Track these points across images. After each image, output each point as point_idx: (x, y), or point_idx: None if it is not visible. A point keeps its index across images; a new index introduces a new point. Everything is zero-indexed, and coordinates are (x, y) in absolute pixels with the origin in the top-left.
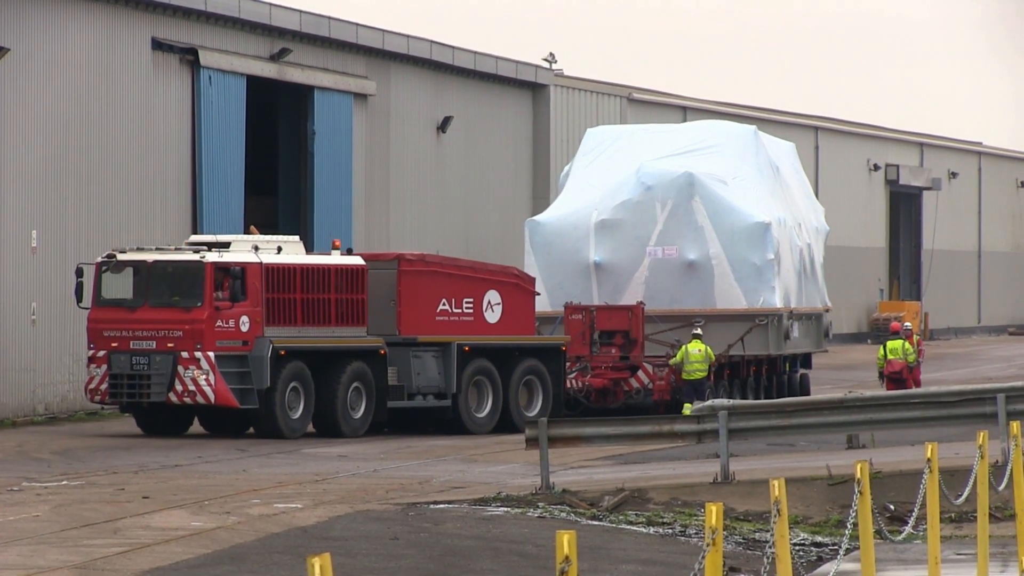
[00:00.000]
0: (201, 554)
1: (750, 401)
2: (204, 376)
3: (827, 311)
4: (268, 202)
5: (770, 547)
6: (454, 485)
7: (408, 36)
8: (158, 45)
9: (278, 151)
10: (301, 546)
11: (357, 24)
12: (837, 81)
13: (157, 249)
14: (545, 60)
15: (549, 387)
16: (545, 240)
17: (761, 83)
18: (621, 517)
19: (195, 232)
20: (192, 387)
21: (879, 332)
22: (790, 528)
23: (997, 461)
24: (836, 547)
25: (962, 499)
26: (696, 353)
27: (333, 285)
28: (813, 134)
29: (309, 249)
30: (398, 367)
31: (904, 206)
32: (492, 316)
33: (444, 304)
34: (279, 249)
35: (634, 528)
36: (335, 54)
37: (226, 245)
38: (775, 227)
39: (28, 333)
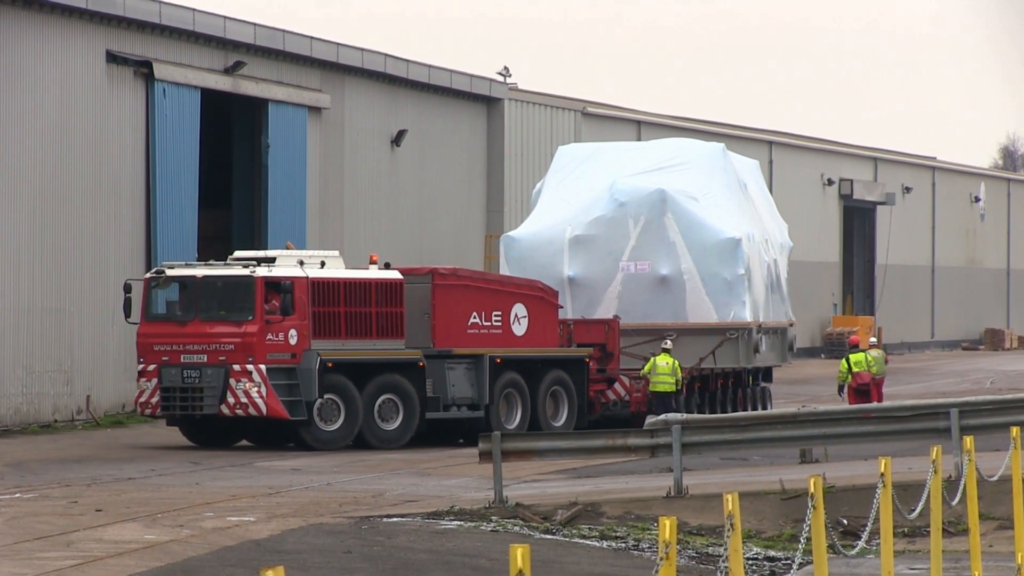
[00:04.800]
0: (154, 567)
1: (703, 415)
2: (256, 388)
3: (791, 325)
4: (222, 215)
5: (723, 561)
6: (407, 499)
7: (362, 49)
8: (112, 58)
9: (232, 164)
10: (254, 559)
11: (311, 37)
12: (791, 96)
13: (206, 264)
14: (499, 74)
15: (574, 397)
16: (520, 255)
17: (715, 98)
18: (574, 531)
19: (149, 246)
20: (244, 399)
21: (833, 346)
22: (743, 542)
23: (950, 476)
24: (789, 561)
25: (915, 514)
26: (664, 366)
27: (374, 299)
28: (767, 149)
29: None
30: (433, 379)
31: (858, 221)
32: (519, 329)
33: (475, 317)
34: (322, 263)
35: (587, 542)
36: (289, 67)
37: (272, 260)
38: (745, 243)
39: None
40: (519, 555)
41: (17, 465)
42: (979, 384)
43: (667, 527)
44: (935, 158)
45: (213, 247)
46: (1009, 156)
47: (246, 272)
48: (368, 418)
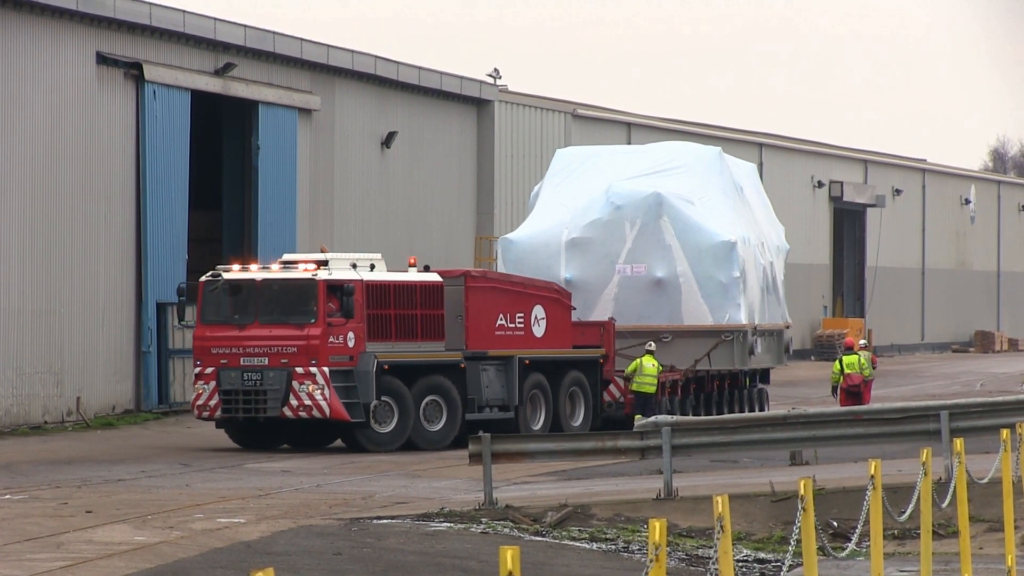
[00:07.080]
0: (144, 568)
1: (693, 417)
2: (320, 391)
3: (787, 327)
4: (212, 216)
5: (713, 563)
6: (397, 500)
7: (353, 51)
8: (103, 59)
9: (222, 165)
10: (244, 561)
11: (302, 39)
12: (781, 98)
13: (262, 267)
14: (489, 76)
15: (590, 398)
16: (517, 257)
17: (705, 99)
18: (564, 533)
19: (139, 247)
20: (308, 401)
21: (823, 348)
22: (733, 544)
23: (940, 478)
24: (779, 564)
25: (905, 516)
26: (650, 367)
27: (418, 301)
28: (757, 150)
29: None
30: (469, 381)
31: (848, 223)
32: (539, 330)
33: (502, 319)
34: (372, 267)
35: (577, 544)
36: (280, 69)
37: (324, 263)
38: (740, 246)
39: None
40: (509, 557)
41: (7, 466)
42: (969, 386)
43: (657, 529)
44: (925, 160)
45: (204, 248)
46: (999, 158)
47: (308, 275)
48: (415, 419)
